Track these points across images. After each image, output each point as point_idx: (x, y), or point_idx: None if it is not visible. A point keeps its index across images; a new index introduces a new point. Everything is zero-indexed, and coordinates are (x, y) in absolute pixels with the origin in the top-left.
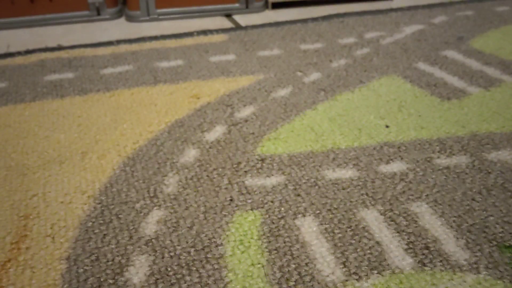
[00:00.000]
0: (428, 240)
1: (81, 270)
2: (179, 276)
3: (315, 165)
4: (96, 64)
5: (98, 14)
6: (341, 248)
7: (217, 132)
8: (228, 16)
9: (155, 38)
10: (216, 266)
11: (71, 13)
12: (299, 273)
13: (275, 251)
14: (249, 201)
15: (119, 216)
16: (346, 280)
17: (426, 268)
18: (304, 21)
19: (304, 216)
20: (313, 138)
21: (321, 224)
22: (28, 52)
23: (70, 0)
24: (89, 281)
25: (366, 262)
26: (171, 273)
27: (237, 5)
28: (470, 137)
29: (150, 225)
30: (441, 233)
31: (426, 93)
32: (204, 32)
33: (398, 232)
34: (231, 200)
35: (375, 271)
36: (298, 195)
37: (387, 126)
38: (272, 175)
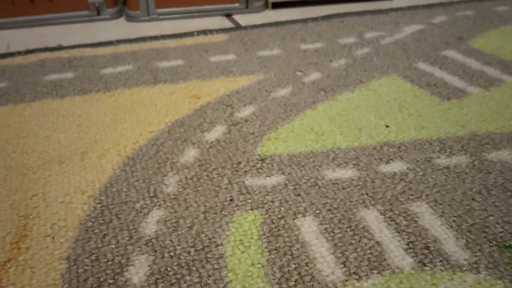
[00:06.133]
0: (428, 240)
1: (81, 270)
2: (179, 276)
3: (315, 165)
4: (96, 64)
5: (98, 14)
6: (341, 248)
7: (217, 132)
8: (228, 16)
9: (155, 38)
10: (216, 266)
11: (71, 13)
12: (299, 273)
13: (275, 251)
14: (249, 201)
15: (119, 216)
16: (346, 280)
17: (426, 268)
18: (304, 21)
19: (304, 216)
20: (313, 138)
21: (321, 224)
22: (28, 52)
23: (70, 0)
24: (89, 281)
25: (366, 262)
26: (171, 273)
27: (237, 5)
28: (470, 137)
29: (150, 225)
30: (441, 233)
31: (426, 93)
32: (204, 32)
33: (398, 232)
34: (231, 200)
35: (375, 271)
36: (298, 195)
37: (387, 126)
38: (272, 175)
